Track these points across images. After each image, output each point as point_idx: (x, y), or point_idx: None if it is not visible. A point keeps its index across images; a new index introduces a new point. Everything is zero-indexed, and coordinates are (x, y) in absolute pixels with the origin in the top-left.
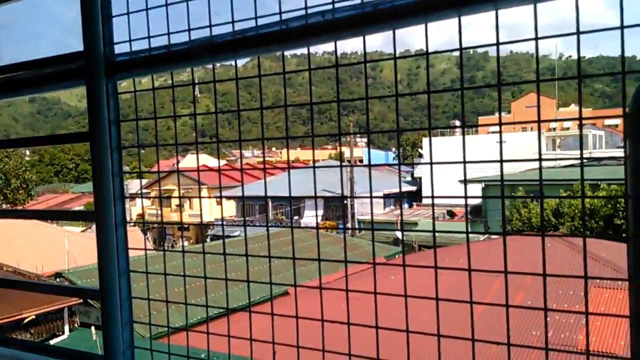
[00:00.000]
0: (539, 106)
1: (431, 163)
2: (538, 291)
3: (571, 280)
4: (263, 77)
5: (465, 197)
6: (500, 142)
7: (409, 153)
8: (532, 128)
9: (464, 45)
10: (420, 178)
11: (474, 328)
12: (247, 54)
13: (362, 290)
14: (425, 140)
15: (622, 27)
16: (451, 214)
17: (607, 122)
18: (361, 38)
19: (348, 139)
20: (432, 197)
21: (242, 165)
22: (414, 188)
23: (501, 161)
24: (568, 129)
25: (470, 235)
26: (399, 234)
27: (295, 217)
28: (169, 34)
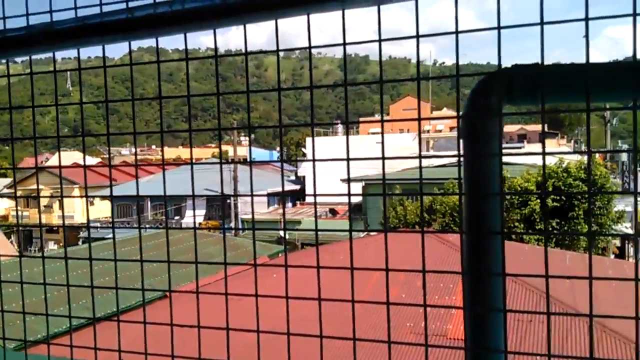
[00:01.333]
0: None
1: (314, 160)
2: (412, 285)
3: (438, 274)
4: (143, 73)
5: (349, 194)
6: (383, 141)
7: (293, 152)
8: (408, 130)
9: (348, 47)
10: (303, 177)
11: (355, 326)
12: (89, 42)
13: (243, 293)
14: (310, 140)
15: (457, 32)
16: (333, 212)
17: None
18: (248, 32)
19: (231, 137)
20: (315, 195)
21: (110, 162)
22: (297, 187)
23: (383, 158)
24: (440, 131)
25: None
26: (281, 233)
27: (176, 217)
28: (4, 18)
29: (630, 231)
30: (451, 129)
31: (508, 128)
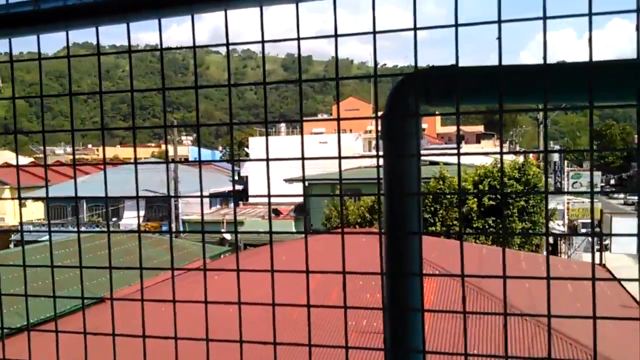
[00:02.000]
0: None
1: (267, 159)
2: (349, 286)
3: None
4: (79, 70)
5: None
6: (339, 140)
7: (236, 152)
8: (351, 130)
9: (290, 48)
10: (247, 177)
11: (310, 331)
12: None
13: (191, 299)
14: (252, 140)
15: (415, 28)
16: (277, 212)
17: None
18: (188, 30)
19: (172, 137)
20: (269, 195)
21: (45, 161)
22: (240, 187)
23: (339, 157)
24: (372, 131)
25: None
26: (225, 234)
27: (114, 219)
28: None
29: (562, 228)
30: None
31: (447, 129)
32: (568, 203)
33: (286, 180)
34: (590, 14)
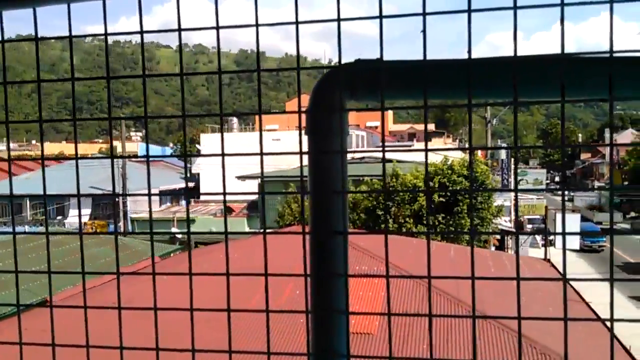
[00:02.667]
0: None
1: (222, 155)
2: (300, 286)
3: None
4: (22, 62)
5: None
6: (304, 139)
7: (188, 149)
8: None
9: (243, 43)
10: (198, 174)
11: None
12: None
13: (136, 307)
14: (204, 136)
15: (380, 16)
16: (229, 210)
17: (369, 123)
18: (136, 22)
19: (120, 132)
20: (224, 193)
21: None
22: (191, 184)
23: (298, 157)
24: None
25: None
26: (175, 231)
27: (59, 217)
28: None
29: (509, 224)
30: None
31: (399, 127)
32: (515, 200)
33: (238, 178)
34: (562, 5)
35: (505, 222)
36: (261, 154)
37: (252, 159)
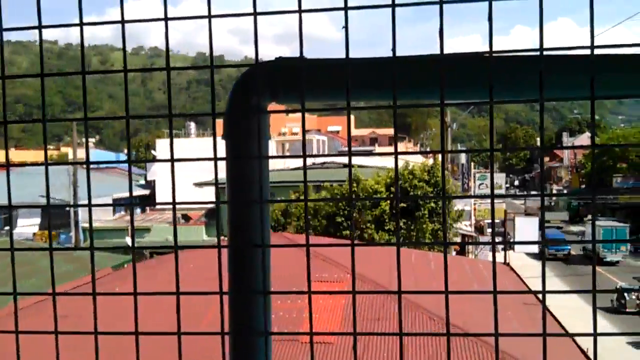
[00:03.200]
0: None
1: (172, 160)
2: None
3: (286, 278)
4: None
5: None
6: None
7: (143, 155)
8: None
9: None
10: (154, 181)
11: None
12: None
13: (78, 332)
14: (160, 142)
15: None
16: (186, 218)
17: (330, 128)
18: (86, 28)
19: (76, 138)
20: (174, 203)
21: None
22: (147, 192)
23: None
24: (297, 134)
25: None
26: (128, 241)
27: (6, 228)
28: None
29: (469, 229)
30: (307, 131)
31: (361, 132)
32: (475, 204)
33: (196, 185)
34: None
35: (465, 227)
36: (171, 159)
37: (211, 164)
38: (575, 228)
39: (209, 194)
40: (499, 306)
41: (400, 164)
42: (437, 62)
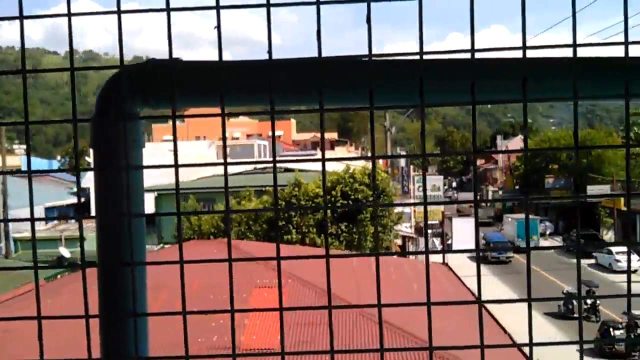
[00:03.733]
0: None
1: (77, 170)
2: (205, 298)
3: (225, 285)
4: None
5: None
6: (225, 146)
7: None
8: (205, 137)
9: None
10: (88, 188)
11: None
12: None
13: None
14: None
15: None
16: None
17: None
18: (17, 29)
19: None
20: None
21: None
22: (81, 200)
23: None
24: (238, 138)
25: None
26: (63, 252)
27: None
28: None
29: (410, 230)
30: (248, 136)
31: (303, 136)
32: (415, 206)
33: None
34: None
35: (405, 228)
36: (76, 168)
37: (149, 171)
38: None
39: (147, 200)
40: (437, 306)
41: (342, 167)
42: (316, 65)
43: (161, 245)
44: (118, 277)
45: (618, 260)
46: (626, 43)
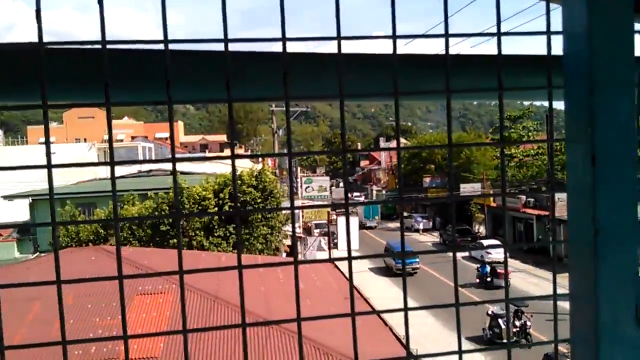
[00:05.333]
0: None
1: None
2: (81, 308)
3: (108, 293)
4: None
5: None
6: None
7: None
8: (85, 139)
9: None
10: None
11: None
12: None
13: None
14: None
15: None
16: None
17: (158, 135)
18: None
19: None
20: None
21: None
22: None
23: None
24: (122, 140)
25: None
26: None
27: None
28: None
29: (298, 230)
30: (133, 138)
31: (191, 138)
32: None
33: (5, 197)
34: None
35: (297, 229)
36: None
37: (23, 176)
38: (392, 224)
39: (22, 206)
40: (325, 303)
41: (229, 170)
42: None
43: (37, 254)
44: None
45: (489, 253)
46: (446, 36)
